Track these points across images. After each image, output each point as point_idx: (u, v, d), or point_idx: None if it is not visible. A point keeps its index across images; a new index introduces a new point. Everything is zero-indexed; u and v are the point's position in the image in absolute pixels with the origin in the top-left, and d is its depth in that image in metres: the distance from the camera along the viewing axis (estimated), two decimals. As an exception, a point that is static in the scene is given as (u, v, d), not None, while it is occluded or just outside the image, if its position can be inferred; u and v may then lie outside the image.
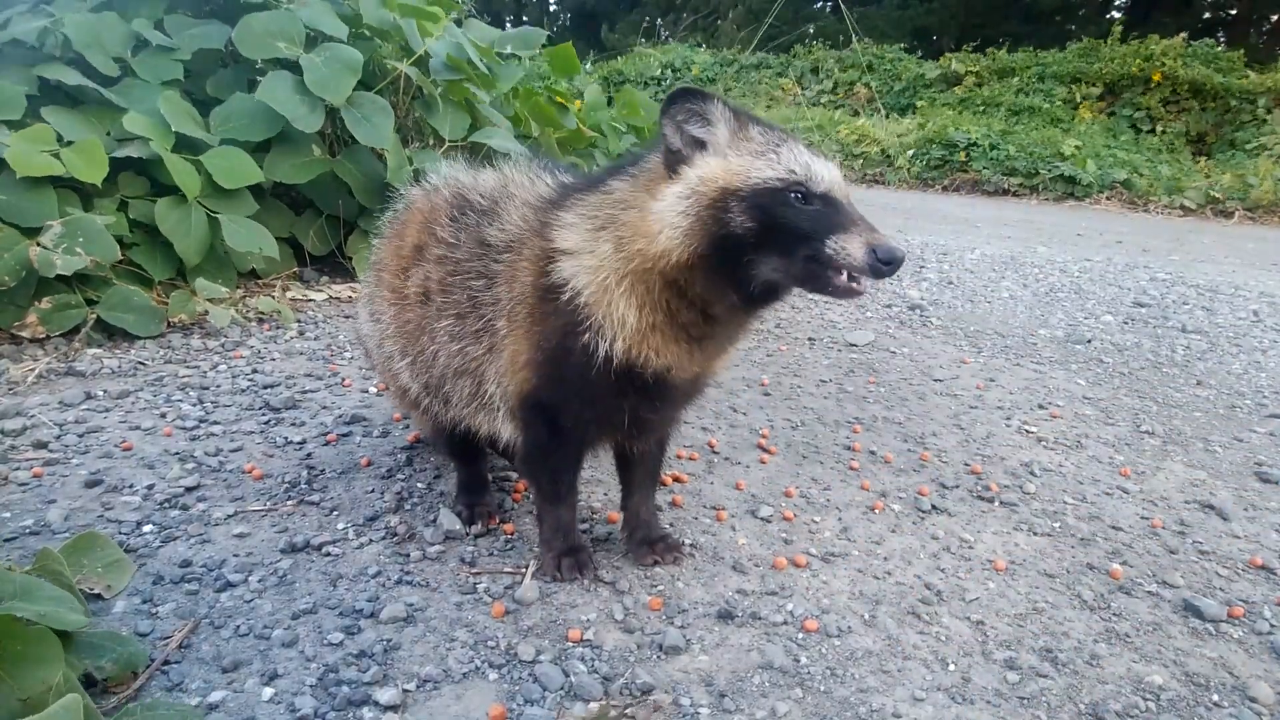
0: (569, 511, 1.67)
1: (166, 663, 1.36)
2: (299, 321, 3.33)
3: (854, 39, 14.76)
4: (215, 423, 2.34)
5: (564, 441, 1.57)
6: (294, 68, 3.30)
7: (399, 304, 1.74)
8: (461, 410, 1.72)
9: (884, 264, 1.24)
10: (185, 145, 3.16)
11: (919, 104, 14.94)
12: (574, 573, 1.64)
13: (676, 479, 2.17)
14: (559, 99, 4.68)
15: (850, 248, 1.25)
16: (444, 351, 1.64)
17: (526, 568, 1.69)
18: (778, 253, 1.29)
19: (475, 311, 1.56)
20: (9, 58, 3.06)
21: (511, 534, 1.84)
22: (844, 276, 1.27)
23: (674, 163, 1.35)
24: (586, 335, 1.39)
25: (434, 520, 1.85)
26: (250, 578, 1.61)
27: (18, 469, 1.99)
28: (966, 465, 2.42)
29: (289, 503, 1.92)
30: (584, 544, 1.71)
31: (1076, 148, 11.64)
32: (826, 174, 1.31)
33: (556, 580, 1.64)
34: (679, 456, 2.32)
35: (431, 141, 4.01)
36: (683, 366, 1.45)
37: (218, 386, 2.61)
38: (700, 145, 1.34)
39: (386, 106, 3.47)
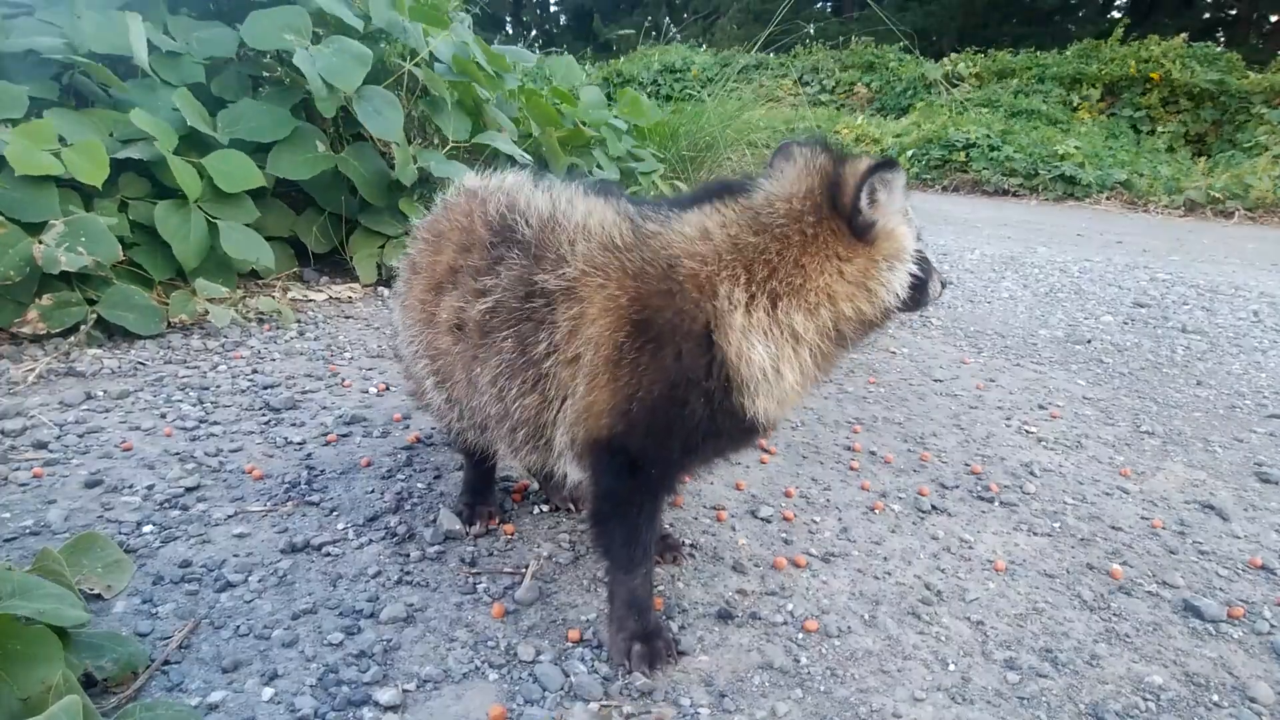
0: (645, 583, 1.46)
1: (166, 663, 1.36)
2: (299, 322, 3.33)
3: (906, 42, 14.76)
4: (215, 423, 2.34)
5: (644, 491, 1.41)
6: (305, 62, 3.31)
7: (429, 325, 1.59)
8: (510, 451, 1.58)
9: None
10: (191, 146, 3.16)
11: (918, 104, 14.94)
12: (645, 664, 1.39)
13: (676, 479, 2.17)
14: (561, 99, 4.69)
15: (938, 287, 1.56)
16: (490, 406, 1.49)
17: (526, 568, 1.69)
18: (910, 295, 1.46)
19: (529, 363, 1.40)
20: (23, 60, 3.04)
21: (511, 534, 1.84)
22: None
23: (865, 227, 1.38)
24: (730, 396, 1.34)
25: (434, 520, 1.85)
26: (250, 578, 1.61)
27: (18, 469, 1.99)
28: (966, 465, 2.42)
29: (289, 503, 1.92)
30: (662, 626, 1.47)
31: (1076, 148, 11.64)
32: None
33: (626, 672, 1.41)
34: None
35: (436, 141, 4.01)
36: (785, 414, 1.48)
37: (218, 387, 2.61)
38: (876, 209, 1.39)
39: (395, 100, 3.48)
